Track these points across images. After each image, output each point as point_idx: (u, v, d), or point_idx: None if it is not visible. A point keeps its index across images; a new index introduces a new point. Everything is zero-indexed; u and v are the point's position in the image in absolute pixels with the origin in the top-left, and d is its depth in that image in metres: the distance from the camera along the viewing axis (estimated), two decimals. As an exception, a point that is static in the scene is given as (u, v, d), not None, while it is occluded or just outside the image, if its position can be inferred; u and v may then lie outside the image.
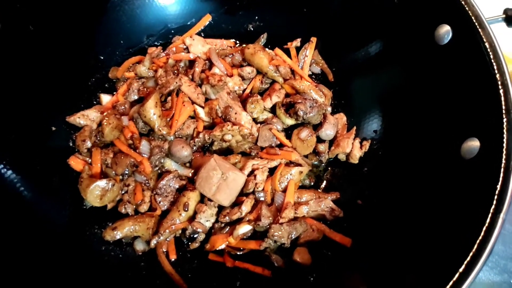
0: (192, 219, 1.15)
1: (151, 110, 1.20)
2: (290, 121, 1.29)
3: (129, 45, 1.45)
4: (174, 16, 1.49)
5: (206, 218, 1.14)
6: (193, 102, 1.31)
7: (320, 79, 1.44)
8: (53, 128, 1.26)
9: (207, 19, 1.50)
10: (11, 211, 1.07)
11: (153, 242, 1.11)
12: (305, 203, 1.18)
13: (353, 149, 1.24)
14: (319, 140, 1.29)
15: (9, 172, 1.11)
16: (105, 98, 1.35)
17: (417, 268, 0.91)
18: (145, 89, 1.33)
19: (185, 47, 1.44)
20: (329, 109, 1.33)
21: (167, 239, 1.14)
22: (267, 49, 1.42)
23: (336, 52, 1.41)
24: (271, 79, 1.40)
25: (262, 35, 1.48)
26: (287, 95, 1.36)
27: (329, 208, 1.16)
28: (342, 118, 1.31)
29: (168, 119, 1.26)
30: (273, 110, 1.35)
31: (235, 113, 1.26)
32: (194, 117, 1.31)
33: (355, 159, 1.25)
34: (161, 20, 1.48)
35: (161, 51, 1.43)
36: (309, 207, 1.16)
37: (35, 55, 1.23)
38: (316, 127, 1.30)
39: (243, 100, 1.34)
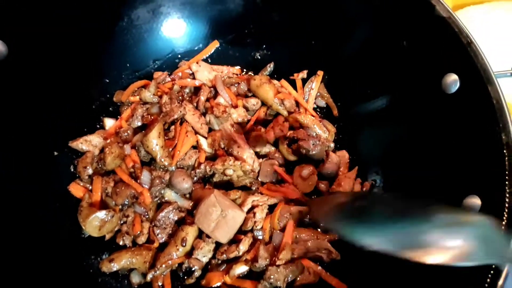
0: (189, 253, 1.15)
1: (154, 140, 1.20)
2: (292, 157, 1.28)
3: (135, 68, 1.45)
4: (181, 41, 1.49)
5: (203, 254, 1.14)
6: (196, 132, 1.31)
7: (324, 113, 1.44)
8: (55, 153, 1.26)
9: (214, 45, 1.50)
10: (8, 236, 1.06)
11: (149, 276, 1.12)
12: (303, 243, 1.17)
13: (354, 189, 1.24)
14: (321, 177, 1.28)
15: (9, 195, 1.10)
16: (109, 122, 1.36)
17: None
18: (149, 115, 1.33)
19: (191, 72, 1.44)
20: (332, 145, 1.33)
21: (163, 273, 1.14)
22: (273, 80, 1.42)
23: (343, 88, 1.40)
24: (275, 111, 1.40)
25: (268, 64, 1.48)
26: (291, 127, 1.36)
27: (326, 250, 1.16)
28: (344, 155, 1.31)
29: (171, 149, 1.26)
30: (275, 143, 1.34)
31: (238, 147, 1.26)
32: (196, 147, 1.31)
33: None
34: (168, 44, 1.48)
35: (167, 76, 1.43)
36: (307, 248, 1.16)
37: (40, 76, 1.22)
38: (318, 163, 1.30)
39: (246, 132, 1.34)
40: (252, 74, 1.50)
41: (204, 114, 1.35)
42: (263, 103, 1.39)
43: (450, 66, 1.04)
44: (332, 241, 1.18)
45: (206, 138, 1.31)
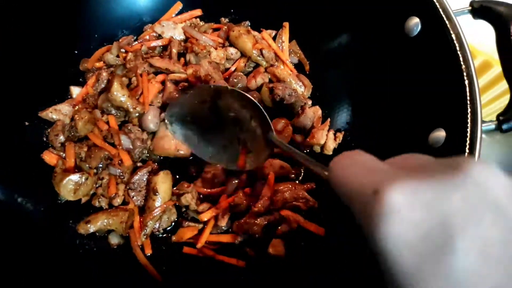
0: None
1: (118, 93, 1.19)
2: (270, 104, 1.31)
3: (103, 39, 1.43)
4: (148, 9, 1.48)
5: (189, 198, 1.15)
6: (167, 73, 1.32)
7: (297, 69, 1.44)
8: (26, 123, 1.24)
9: (177, 7, 1.49)
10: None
11: (143, 238, 1.12)
12: (281, 194, 1.18)
13: (327, 140, 1.25)
14: (295, 130, 1.30)
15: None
16: (75, 90, 1.34)
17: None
18: (114, 77, 1.32)
19: (157, 35, 1.45)
20: (310, 102, 1.35)
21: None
22: (254, 31, 1.43)
23: (312, 43, 1.42)
24: (255, 63, 1.41)
25: (243, 22, 1.49)
26: (270, 81, 1.38)
27: (304, 199, 1.17)
28: (317, 111, 1.32)
29: (137, 97, 1.27)
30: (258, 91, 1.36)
31: (213, 82, 1.27)
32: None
33: (329, 150, 1.26)
34: (136, 13, 1.47)
35: (133, 39, 1.43)
36: (285, 198, 1.17)
37: (6, 48, 1.20)
38: (293, 117, 1.32)
39: (226, 78, 1.36)
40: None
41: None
42: (243, 55, 1.40)
43: (411, 8, 1.07)
44: (309, 190, 1.20)
45: (182, 72, 1.32)
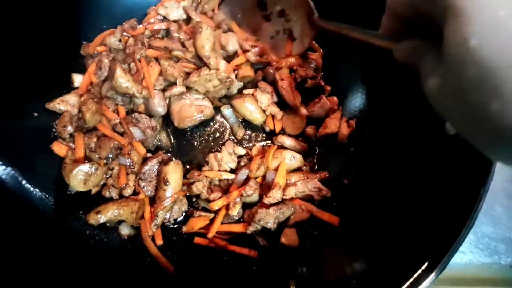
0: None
1: (122, 79, 1.19)
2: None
3: (111, 28, 1.41)
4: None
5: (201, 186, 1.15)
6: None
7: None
8: (35, 114, 1.24)
9: None
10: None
11: (153, 229, 1.11)
12: (293, 184, 1.16)
13: (341, 129, 1.23)
14: (308, 121, 1.28)
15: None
16: (77, 78, 1.32)
17: (403, 245, 0.90)
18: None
19: (162, 17, 1.43)
20: (329, 88, 1.34)
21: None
22: None
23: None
24: None
25: None
26: None
27: (316, 188, 1.15)
28: (335, 102, 1.29)
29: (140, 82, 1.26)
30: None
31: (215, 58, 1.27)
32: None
33: (344, 138, 1.23)
34: (143, 3, 1.45)
35: (135, 22, 1.42)
36: (297, 188, 1.15)
37: (14, 40, 1.19)
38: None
39: None
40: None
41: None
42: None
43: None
44: (322, 180, 1.17)
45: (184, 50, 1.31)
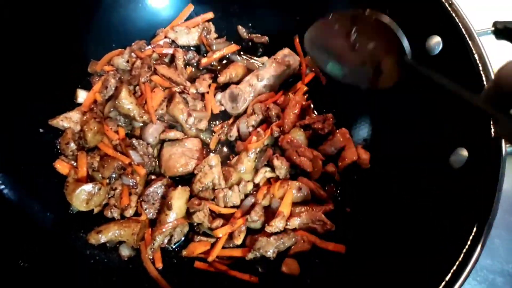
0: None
1: (125, 100, 1.20)
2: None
3: (120, 48, 1.42)
4: (166, 20, 1.48)
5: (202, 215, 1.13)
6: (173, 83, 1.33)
7: (314, 83, 1.44)
8: (41, 130, 1.24)
9: (189, 10, 1.48)
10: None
11: (149, 252, 1.10)
12: (297, 214, 1.17)
13: (360, 155, 1.23)
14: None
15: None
16: (82, 94, 1.33)
17: (407, 273, 0.91)
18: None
19: (170, 41, 1.45)
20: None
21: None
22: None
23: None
24: None
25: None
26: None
27: (321, 221, 1.15)
28: (345, 133, 1.27)
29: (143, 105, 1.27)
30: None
31: None
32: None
33: (366, 163, 1.23)
34: (154, 24, 1.47)
35: (145, 43, 1.43)
36: (301, 220, 1.16)
37: (23, 56, 1.20)
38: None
39: None
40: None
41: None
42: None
43: (433, 27, 1.06)
44: (326, 212, 1.18)
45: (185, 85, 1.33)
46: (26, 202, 1.12)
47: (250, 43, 1.52)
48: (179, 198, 1.13)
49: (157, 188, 1.17)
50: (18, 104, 1.18)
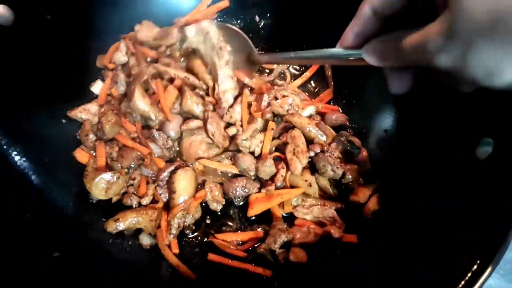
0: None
1: (140, 102, 1.21)
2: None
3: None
4: (185, 8, 1.47)
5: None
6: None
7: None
8: (63, 121, 1.26)
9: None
10: (20, 194, 1.08)
11: (170, 238, 1.12)
12: (307, 208, 1.17)
13: (369, 202, 1.16)
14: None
15: (21, 159, 1.11)
16: (97, 85, 1.34)
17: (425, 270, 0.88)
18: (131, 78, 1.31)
19: None
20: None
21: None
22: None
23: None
24: None
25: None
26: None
27: (331, 218, 1.15)
28: (368, 192, 1.20)
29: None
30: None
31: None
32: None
33: (367, 213, 1.15)
34: (169, 13, 1.44)
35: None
36: (313, 213, 1.16)
37: (45, 47, 1.21)
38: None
39: None
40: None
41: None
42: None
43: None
44: (338, 210, 1.17)
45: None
46: (49, 187, 1.14)
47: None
48: (180, 179, 1.14)
49: (167, 173, 1.19)
50: (43, 96, 1.19)
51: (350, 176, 1.18)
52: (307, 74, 1.45)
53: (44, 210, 1.10)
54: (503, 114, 0.87)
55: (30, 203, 1.09)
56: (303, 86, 1.46)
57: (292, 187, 1.18)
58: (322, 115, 1.35)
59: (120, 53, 1.34)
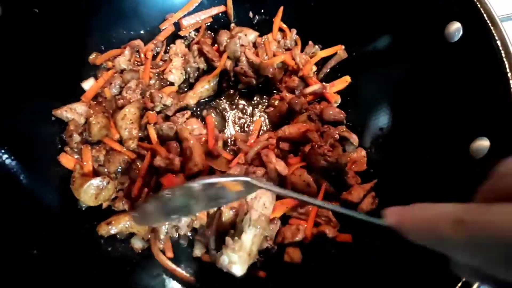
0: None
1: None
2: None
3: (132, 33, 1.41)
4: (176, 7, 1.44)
5: None
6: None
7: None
8: (53, 118, 1.21)
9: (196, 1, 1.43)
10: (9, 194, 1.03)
11: (160, 244, 1.11)
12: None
13: (363, 202, 1.14)
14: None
15: (8, 158, 1.06)
16: (89, 82, 1.30)
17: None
18: (124, 84, 1.30)
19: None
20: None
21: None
22: None
23: (346, 46, 1.38)
24: None
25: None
26: None
27: (326, 217, 1.14)
28: (361, 152, 1.23)
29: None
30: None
31: None
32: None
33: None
34: (164, 10, 1.43)
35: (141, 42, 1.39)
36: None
37: (34, 43, 1.14)
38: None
39: None
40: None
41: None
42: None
43: (453, 13, 1.01)
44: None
45: None
46: (37, 188, 1.09)
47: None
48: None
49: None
50: (30, 94, 1.13)
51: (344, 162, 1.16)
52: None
53: (32, 211, 1.06)
54: (498, 113, 0.88)
55: (19, 204, 1.04)
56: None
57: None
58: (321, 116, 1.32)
59: (123, 58, 1.31)
